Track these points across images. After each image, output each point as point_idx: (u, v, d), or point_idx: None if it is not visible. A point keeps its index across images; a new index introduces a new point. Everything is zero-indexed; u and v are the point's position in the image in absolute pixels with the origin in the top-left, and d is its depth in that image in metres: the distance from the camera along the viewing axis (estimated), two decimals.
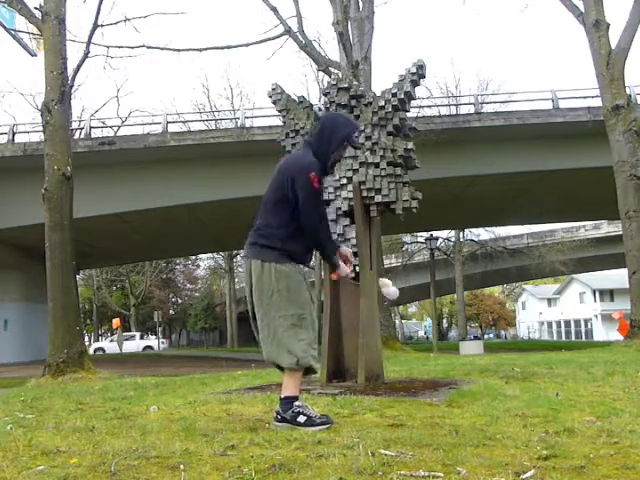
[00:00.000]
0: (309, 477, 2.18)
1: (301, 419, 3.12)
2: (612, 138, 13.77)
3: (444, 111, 23.64)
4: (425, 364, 8.31)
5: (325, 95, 5.97)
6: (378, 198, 5.47)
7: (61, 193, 11.55)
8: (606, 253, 37.67)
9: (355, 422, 3.31)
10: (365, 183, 5.47)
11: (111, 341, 40.29)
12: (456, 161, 20.69)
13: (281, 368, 3.25)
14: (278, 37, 19.04)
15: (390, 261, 37.76)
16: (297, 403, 3.17)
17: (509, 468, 2.23)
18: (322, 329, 5.35)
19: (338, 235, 5.43)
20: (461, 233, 34.87)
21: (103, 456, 2.52)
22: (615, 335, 24.03)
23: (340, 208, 5.51)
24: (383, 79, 64.56)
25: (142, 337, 42.30)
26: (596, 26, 14.01)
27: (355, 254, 5.36)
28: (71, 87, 13.03)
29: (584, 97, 21.01)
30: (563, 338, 56.82)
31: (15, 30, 19.07)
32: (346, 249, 3.52)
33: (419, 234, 34.72)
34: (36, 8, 12.78)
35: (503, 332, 70.20)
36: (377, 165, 5.50)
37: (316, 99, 23.50)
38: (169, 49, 18.90)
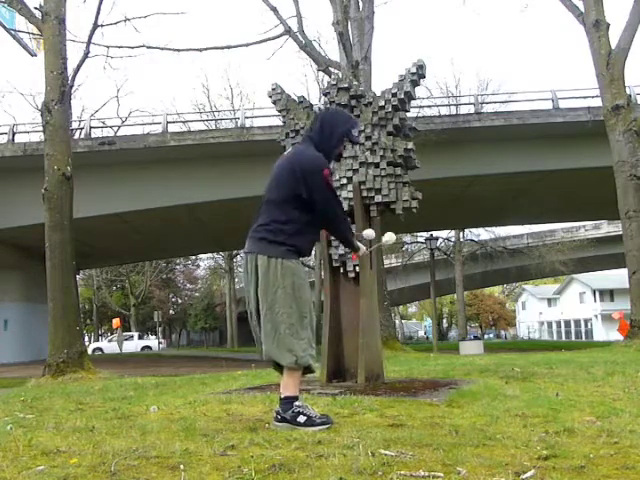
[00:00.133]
0: (309, 477, 2.18)
1: (301, 419, 3.11)
2: (612, 138, 13.77)
3: (444, 111, 23.65)
4: (425, 364, 8.31)
5: (325, 95, 5.97)
6: (378, 198, 5.47)
7: (61, 193, 11.55)
8: (606, 253, 37.67)
9: (355, 422, 3.31)
10: (365, 183, 5.48)
11: (109, 341, 40.26)
12: (456, 161, 20.69)
13: (279, 368, 3.24)
14: (278, 37, 19.05)
15: (390, 261, 37.76)
16: (297, 403, 3.17)
17: (509, 468, 2.23)
18: (322, 329, 5.35)
19: None
20: (461, 233, 34.87)
21: (103, 456, 2.52)
22: (615, 335, 24.04)
23: None
24: (383, 79, 64.60)
25: (140, 337, 42.24)
26: (596, 26, 14.01)
27: None
28: (71, 87, 13.03)
29: (584, 97, 21.03)
30: (563, 338, 56.82)
31: (15, 30, 19.07)
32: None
33: (419, 234, 34.72)
34: (36, 8, 12.78)
35: (503, 332, 70.20)
36: (377, 165, 5.50)
37: (316, 99, 23.52)
38: (169, 49, 18.92)
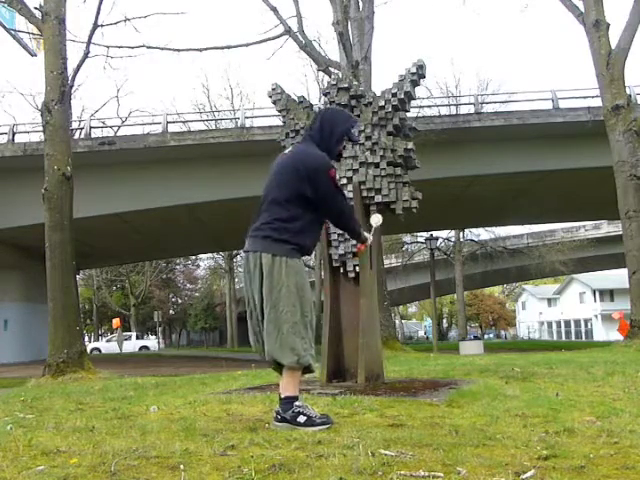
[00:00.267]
0: (309, 477, 2.17)
1: (301, 419, 3.11)
2: (612, 138, 13.77)
3: (444, 111, 23.66)
4: (425, 364, 8.31)
5: (325, 95, 5.97)
6: (378, 198, 5.47)
7: (61, 193, 11.55)
8: (606, 253, 37.67)
9: (355, 422, 3.30)
10: (365, 183, 5.47)
11: (107, 341, 40.19)
12: (456, 161, 20.69)
13: (278, 368, 3.24)
14: (278, 37, 19.06)
15: (390, 261, 37.77)
16: (297, 403, 3.17)
17: (509, 468, 2.23)
18: (322, 329, 5.35)
19: (338, 235, 5.42)
20: (461, 233, 34.87)
21: (103, 456, 2.52)
22: (615, 335, 24.03)
23: None
24: (383, 79, 64.61)
25: (138, 337, 42.17)
26: (596, 26, 14.01)
27: (355, 254, 5.37)
28: (71, 87, 13.04)
29: (584, 97, 21.03)
30: (563, 338, 56.82)
31: (15, 30, 19.08)
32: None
33: (419, 234, 34.73)
34: (36, 8, 12.79)
35: (503, 332, 70.20)
36: (377, 165, 5.50)
37: (316, 99, 23.52)
38: (169, 49, 18.93)
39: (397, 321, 52.01)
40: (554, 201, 25.65)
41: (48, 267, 11.40)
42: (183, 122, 28.02)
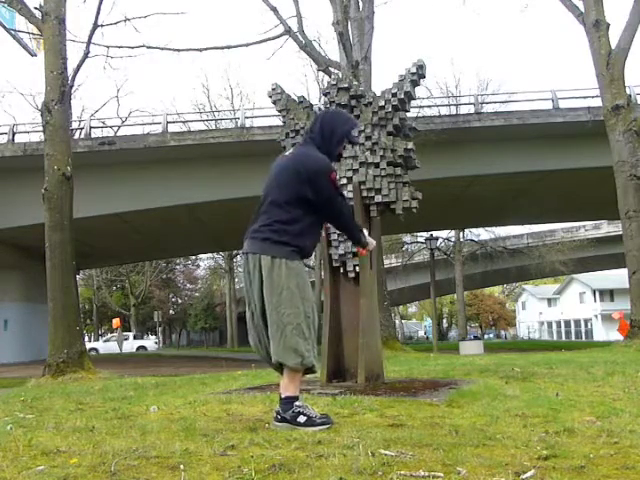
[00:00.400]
0: (309, 477, 2.18)
1: (301, 419, 3.11)
2: (612, 138, 13.77)
3: (444, 111, 23.66)
4: (425, 364, 8.31)
5: (325, 95, 5.97)
6: (378, 198, 5.47)
7: (61, 193, 11.55)
8: (606, 253, 37.67)
9: (355, 422, 3.30)
10: (365, 183, 5.47)
11: (105, 341, 40.11)
12: (456, 161, 20.70)
13: (279, 368, 3.23)
14: (278, 37, 19.05)
15: (390, 261, 37.77)
16: (297, 403, 3.17)
17: (509, 468, 2.23)
18: (322, 329, 5.35)
19: (338, 235, 5.42)
20: (461, 233, 34.87)
21: (103, 456, 2.52)
22: (615, 335, 24.03)
23: None
24: (383, 79, 64.61)
25: (136, 337, 42.11)
26: (596, 26, 14.01)
27: (355, 254, 5.37)
28: (71, 87, 13.04)
29: (584, 97, 21.03)
30: (563, 338, 56.83)
31: (15, 30, 19.08)
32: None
33: (419, 234, 34.74)
34: (36, 8, 12.79)
35: (503, 332, 70.20)
36: (377, 165, 5.50)
37: (316, 99, 23.52)
38: (169, 49, 18.93)
39: (397, 321, 52.02)
40: (554, 201, 25.65)
41: (48, 267, 11.41)
42: (183, 122, 28.04)
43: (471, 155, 20.83)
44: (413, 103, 5.95)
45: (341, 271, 5.47)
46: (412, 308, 77.68)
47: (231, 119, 28.33)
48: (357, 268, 5.37)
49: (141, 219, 23.40)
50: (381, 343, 5.77)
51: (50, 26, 11.91)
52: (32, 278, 24.79)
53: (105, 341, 40.22)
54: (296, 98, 6.13)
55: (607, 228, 38.21)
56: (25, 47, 20.93)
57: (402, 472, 2.19)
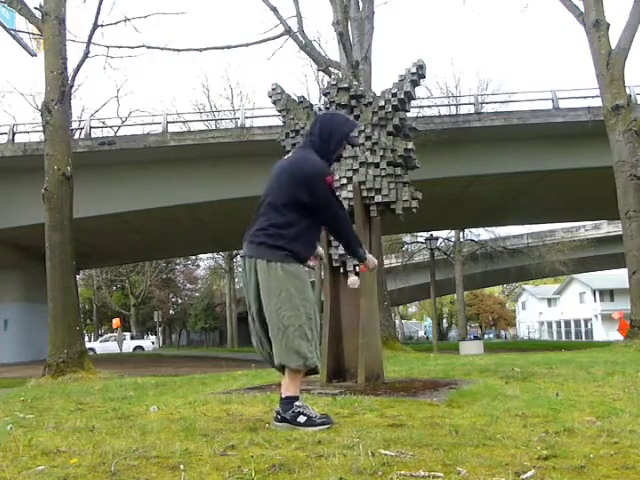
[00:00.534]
0: (309, 477, 2.18)
1: (301, 419, 3.11)
2: (612, 138, 13.77)
3: (444, 111, 23.65)
4: (425, 364, 8.31)
5: (325, 95, 5.98)
6: (378, 198, 5.47)
7: (61, 193, 11.55)
8: (606, 253, 37.67)
9: (355, 422, 3.31)
10: (365, 183, 5.48)
11: (101, 341, 40.04)
12: (456, 161, 20.69)
13: (281, 368, 3.24)
14: (278, 37, 19.06)
15: (390, 261, 37.77)
16: (297, 403, 3.17)
17: (509, 468, 2.23)
18: (322, 329, 5.35)
19: None
20: (461, 233, 34.87)
21: (103, 456, 2.52)
22: (615, 335, 24.03)
23: None
24: (383, 79, 64.60)
25: (133, 337, 42.06)
26: (596, 26, 14.01)
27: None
28: (71, 87, 13.04)
29: (584, 97, 21.03)
30: (563, 338, 56.83)
31: (15, 30, 19.08)
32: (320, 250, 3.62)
33: (419, 234, 34.72)
34: (36, 8, 12.79)
35: (503, 332, 70.21)
36: (377, 165, 5.50)
37: (316, 99, 23.51)
38: (169, 49, 18.93)
39: (397, 321, 52.02)
40: (554, 201, 25.65)
41: (48, 267, 11.41)
42: (183, 122, 28.04)
43: (471, 155, 20.83)
44: (413, 103, 5.96)
45: (341, 271, 5.48)
46: (412, 308, 77.68)
47: (231, 119, 28.33)
48: (357, 268, 5.36)
49: (141, 219, 23.40)
50: (381, 343, 5.77)
51: (50, 26, 11.91)
52: (32, 278, 24.79)
53: (102, 341, 40.11)
54: (296, 98, 6.13)
55: (607, 228, 38.21)
56: (25, 47, 20.93)
57: (402, 472, 2.19)
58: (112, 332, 39.70)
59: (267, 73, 57.68)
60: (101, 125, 27.71)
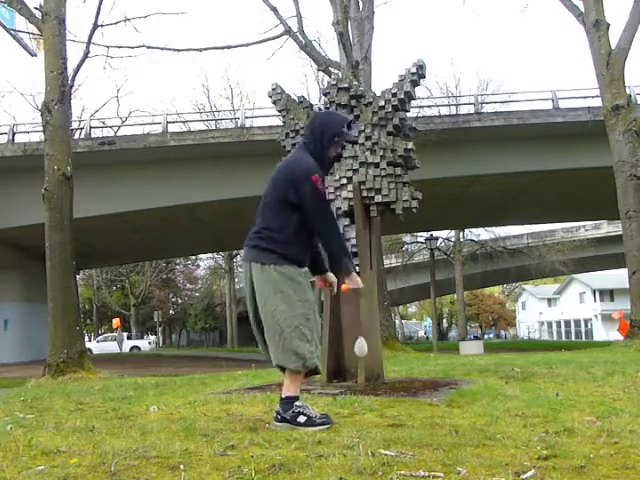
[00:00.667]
0: (309, 477, 2.18)
1: (301, 419, 3.11)
2: (612, 138, 13.77)
3: (444, 111, 23.65)
4: (425, 364, 8.31)
5: (325, 95, 5.98)
6: (378, 198, 5.47)
7: (61, 193, 11.55)
8: (606, 253, 37.67)
9: (355, 422, 3.31)
10: (365, 183, 5.48)
11: (98, 342, 40.01)
12: (456, 161, 20.69)
13: (283, 369, 3.24)
14: (278, 37, 19.06)
15: (390, 261, 37.75)
16: (297, 403, 3.17)
17: (509, 468, 2.23)
18: (322, 329, 5.35)
19: None
20: (461, 233, 34.87)
21: (103, 456, 2.52)
22: (615, 335, 24.03)
23: (340, 208, 5.51)
24: (383, 79, 64.59)
25: (130, 337, 42.05)
26: (596, 26, 14.01)
27: (355, 254, 5.37)
28: (71, 87, 13.04)
29: (584, 97, 21.03)
30: (563, 338, 56.82)
31: (15, 30, 19.08)
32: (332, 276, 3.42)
33: (419, 234, 34.72)
34: (36, 8, 12.79)
35: (503, 332, 70.20)
36: (377, 165, 5.50)
37: (316, 99, 23.52)
38: (169, 49, 18.94)
39: (397, 321, 52.01)
40: (554, 201, 25.65)
41: (48, 267, 11.41)
42: (183, 122, 28.04)
43: (471, 155, 20.83)
44: (413, 103, 5.96)
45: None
46: (412, 308, 77.67)
47: (231, 119, 28.34)
48: (357, 268, 5.36)
49: (141, 219, 23.40)
50: (381, 343, 5.77)
51: (50, 26, 11.91)
52: (32, 278, 24.79)
53: (99, 341, 40.04)
54: (296, 98, 6.14)
55: (607, 228, 38.20)
56: (25, 47, 20.94)
57: (402, 472, 2.19)
58: (112, 332, 39.63)
59: (267, 73, 57.70)
60: (101, 125, 27.73)
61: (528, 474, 2.15)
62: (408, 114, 5.84)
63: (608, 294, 52.12)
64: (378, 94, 5.76)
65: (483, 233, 36.31)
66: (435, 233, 28.65)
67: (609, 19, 14.14)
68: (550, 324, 63.53)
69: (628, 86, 16.14)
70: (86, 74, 55.02)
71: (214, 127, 29.28)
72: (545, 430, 2.95)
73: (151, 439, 2.88)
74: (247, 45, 20.21)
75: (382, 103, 5.58)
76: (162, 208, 21.74)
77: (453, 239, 35.34)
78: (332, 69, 17.51)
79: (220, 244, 34.33)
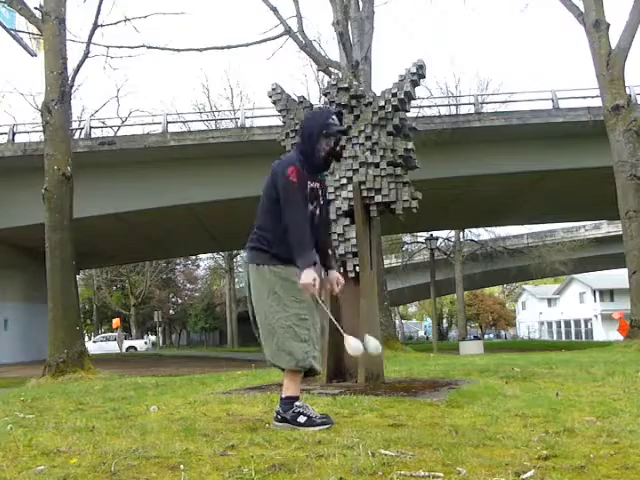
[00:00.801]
0: (309, 477, 2.18)
1: (301, 419, 3.11)
2: (612, 138, 13.77)
3: (444, 111, 23.63)
4: (425, 364, 8.31)
5: (325, 95, 5.98)
6: (378, 198, 5.47)
7: (61, 193, 11.55)
8: (606, 253, 37.67)
9: (355, 422, 3.31)
10: (365, 183, 5.47)
11: (94, 342, 40.01)
12: (456, 161, 20.69)
13: (282, 368, 3.25)
14: (278, 37, 19.04)
15: (390, 261, 37.74)
16: (297, 403, 3.17)
17: (509, 468, 2.23)
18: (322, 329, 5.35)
19: (338, 235, 5.42)
20: (461, 233, 34.86)
21: (103, 456, 2.52)
22: (615, 335, 24.05)
23: (340, 208, 5.51)
24: (383, 79, 64.52)
25: (126, 337, 41.97)
26: (596, 26, 14.01)
27: (355, 254, 5.37)
28: (71, 87, 13.04)
29: (584, 97, 21.03)
30: (563, 338, 56.82)
31: (15, 30, 19.10)
32: (336, 275, 3.32)
33: (419, 234, 34.72)
34: (36, 8, 12.79)
35: (503, 332, 70.20)
36: (377, 165, 5.50)
37: (316, 99, 23.50)
38: (169, 49, 18.95)
39: (397, 321, 52.02)
40: (554, 201, 25.65)
41: (48, 267, 11.40)
42: (183, 122, 28.00)
43: (471, 155, 20.82)
44: (413, 103, 5.95)
45: (341, 271, 5.47)
46: (412, 308, 77.65)
47: (231, 119, 28.35)
48: (357, 268, 5.37)
49: (141, 219, 23.39)
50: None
51: (50, 26, 11.91)
52: (32, 278, 24.78)
53: (95, 342, 39.99)
54: (296, 98, 6.14)
55: (607, 228, 38.20)
56: (25, 47, 20.94)
57: (402, 472, 2.19)
58: (112, 332, 39.59)
59: (267, 73, 57.63)
60: (101, 125, 27.71)
61: (528, 474, 2.15)
62: (408, 114, 5.84)
63: (608, 294, 52.11)
64: (378, 94, 5.75)
65: (483, 233, 36.35)
66: (435, 233, 28.65)
67: (609, 19, 14.16)
68: (550, 324, 63.52)
69: (628, 86, 16.12)
70: (86, 74, 55.07)
71: (214, 127, 29.28)
72: (545, 430, 2.95)
73: (151, 439, 2.88)
74: (247, 45, 20.18)
75: (382, 103, 5.58)
76: (162, 208, 21.74)
77: (453, 239, 35.34)
78: (332, 69, 17.50)
79: (220, 244, 34.34)
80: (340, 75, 7.79)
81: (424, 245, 30.60)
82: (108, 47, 16.12)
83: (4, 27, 17.82)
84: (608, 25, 14.07)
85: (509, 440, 2.72)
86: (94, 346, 37.66)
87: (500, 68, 67.72)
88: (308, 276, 3.03)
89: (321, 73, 22.77)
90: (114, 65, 70.51)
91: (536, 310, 64.26)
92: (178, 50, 19.48)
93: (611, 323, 36.66)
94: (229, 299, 47.25)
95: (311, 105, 6.11)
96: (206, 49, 19.97)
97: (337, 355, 5.32)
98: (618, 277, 40.43)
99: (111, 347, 34.92)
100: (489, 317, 63.51)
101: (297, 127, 5.90)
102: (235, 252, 43.42)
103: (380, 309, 7.91)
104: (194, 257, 52.60)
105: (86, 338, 47.29)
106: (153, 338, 51.66)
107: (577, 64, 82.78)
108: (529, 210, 26.72)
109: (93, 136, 22.19)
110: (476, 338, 31.93)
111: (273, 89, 6.17)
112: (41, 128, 13.26)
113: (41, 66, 12.17)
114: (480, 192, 23.15)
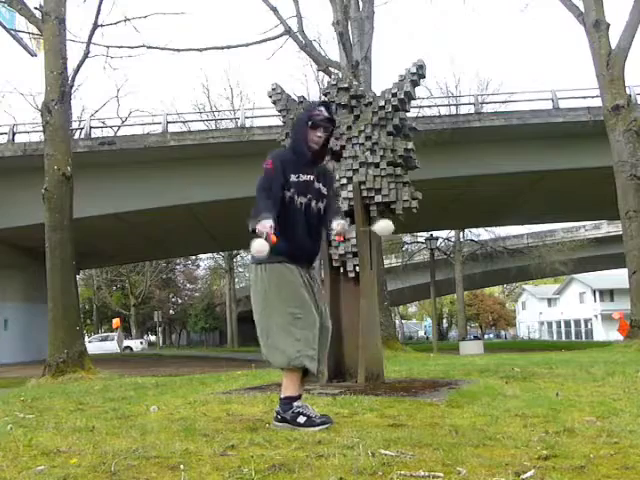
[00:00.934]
0: (309, 477, 2.18)
1: (301, 419, 3.11)
2: (612, 138, 13.77)
3: (444, 111, 23.62)
4: (425, 364, 8.31)
5: (325, 95, 5.98)
6: (378, 198, 5.47)
7: (61, 193, 11.55)
8: (606, 253, 37.66)
9: (355, 422, 3.31)
10: (365, 183, 5.48)
11: (90, 342, 40.01)
12: (456, 161, 20.69)
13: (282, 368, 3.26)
14: (278, 37, 19.05)
15: (390, 261, 37.73)
16: (297, 403, 3.17)
17: (509, 468, 2.23)
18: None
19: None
20: (461, 233, 34.85)
21: (103, 456, 2.52)
22: (615, 335, 24.05)
23: (340, 208, 5.51)
24: (383, 79, 64.50)
25: (126, 337, 41.89)
26: (596, 26, 14.01)
27: (355, 254, 5.37)
28: (71, 87, 13.04)
29: (584, 97, 21.03)
30: (563, 338, 56.81)
31: (15, 30, 19.09)
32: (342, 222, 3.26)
33: (419, 234, 34.70)
34: (36, 8, 12.79)
35: (503, 332, 70.19)
36: (377, 165, 5.50)
37: (316, 99, 23.47)
38: (169, 49, 18.97)
39: (397, 321, 52.02)
40: (554, 201, 25.65)
41: (48, 267, 11.40)
42: (183, 122, 27.99)
43: (471, 155, 20.82)
44: (413, 103, 5.96)
45: (341, 271, 5.48)
46: (412, 308, 77.64)
47: (231, 119, 28.34)
48: (357, 268, 5.37)
49: (141, 219, 23.39)
50: (381, 343, 5.77)
51: (50, 26, 11.90)
52: (32, 278, 24.77)
53: (90, 341, 39.98)
54: (296, 98, 6.14)
55: (607, 228, 38.19)
56: (25, 47, 20.94)
57: (402, 472, 2.19)
58: (112, 332, 39.58)
59: (267, 73, 57.60)
60: (101, 125, 27.70)
61: (528, 474, 2.15)
62: (408, 114, 5.84)
63: (608, 294, 52.11)
64: (378, 94, 5.76)
65: (483, 233, 36.34)
66: (435, 233, 28.64)
67: (609, 19, 14.16)
68: (550, 324, 63.51)
69: (628, 86, 16.12)
70: (86, 74, 55.05)
71: (214, 127, 29.26)
72: (545, 430, 2.95)
73: (151, 439, 2.88)
74: (247, 45, 20.20)
75: (382, 103, 5.58)
76: (162, 208, 21.74)
77: (453, 239, 35.33)
78: (332, 69, 17.50)
79: (220, 244, 34.34)
80: (340, 75, 7.80)
81: (424, 245, 30.59)
82: (108, 47, 16.16)
83: (4, 27, 17.82)
84: (608, 25, 14.07)
85: (509, 440, 2.72)
86: (90, 346, 37.64)
87: (500, 68, 67.78)
88: (264, 224, 2.89)
89: (321, 73, 22.75)
90: (114, 65, 70.53)
91: (536, 310, 64.24)
92: (178, 50, 19.51)
93: (611, 323, 36.66)
94: (229, 299, 47.23)
95: None
96: (206, 49, 20.00)
97: (337, 355, 5.32)
98: (618, 277, 40.43)
99: (109, 347, 34.90)
100: (489, 317, 63.50)
101: None
102: (235, 252, 43.40)
103: (380, 309, 7.91)
104: (194, 257, 52.59)
105: (86, 338, 47.55)
106: (152, 338, 51.60)
107: (577, 64, 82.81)
108: (529, 210, 26.72)
109: (93, 136, 22.20)
110: (476, 338, 31.93)
111: (273, 89, 6.17)
112: (41, 128, 13.26)
113: (41, 66, 12.18)
114: (480, 192, 23.15)
